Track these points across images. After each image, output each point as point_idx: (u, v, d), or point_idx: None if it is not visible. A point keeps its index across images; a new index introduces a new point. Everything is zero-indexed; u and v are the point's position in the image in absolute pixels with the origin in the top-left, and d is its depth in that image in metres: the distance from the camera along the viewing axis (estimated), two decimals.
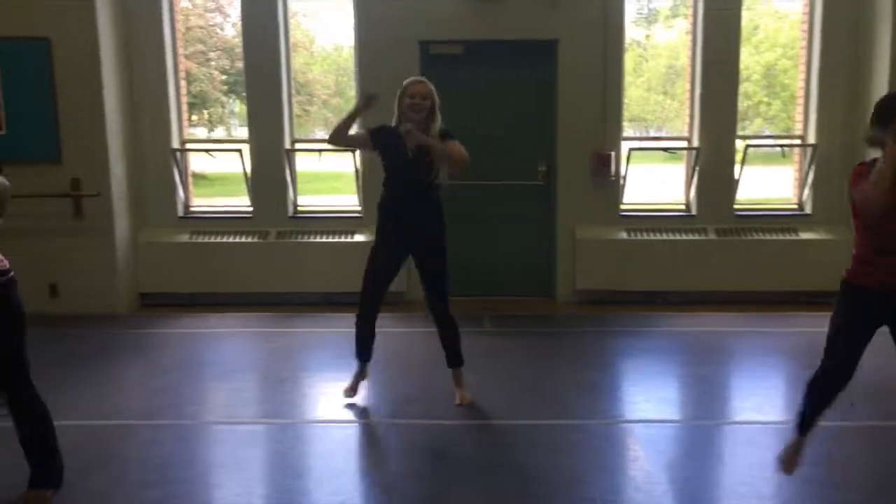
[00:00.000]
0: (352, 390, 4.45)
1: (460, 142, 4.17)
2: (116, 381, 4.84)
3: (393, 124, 4.25)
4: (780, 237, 6.65)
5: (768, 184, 9.38)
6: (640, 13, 13.04)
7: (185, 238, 6.74)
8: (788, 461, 3.28)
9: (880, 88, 6.31)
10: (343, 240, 6.72)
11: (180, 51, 6.88)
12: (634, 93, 14.89)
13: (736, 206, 6.81)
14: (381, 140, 4.28)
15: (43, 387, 3.22)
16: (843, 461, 3.66)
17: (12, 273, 3.06)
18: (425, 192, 4.19)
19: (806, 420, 3.23)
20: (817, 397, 3.19)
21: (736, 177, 6.75)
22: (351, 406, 4.41)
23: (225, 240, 6.74)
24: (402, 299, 6.47)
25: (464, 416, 4.22)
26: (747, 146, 6.91)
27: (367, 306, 4.34)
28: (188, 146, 7.03)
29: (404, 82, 4.23)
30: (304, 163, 7.43)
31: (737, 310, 6.41)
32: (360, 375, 4.49)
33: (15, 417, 3.15)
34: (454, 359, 4.39)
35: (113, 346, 5.56)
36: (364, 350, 4.42)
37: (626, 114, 6.99)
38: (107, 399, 4.47)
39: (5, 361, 3.07)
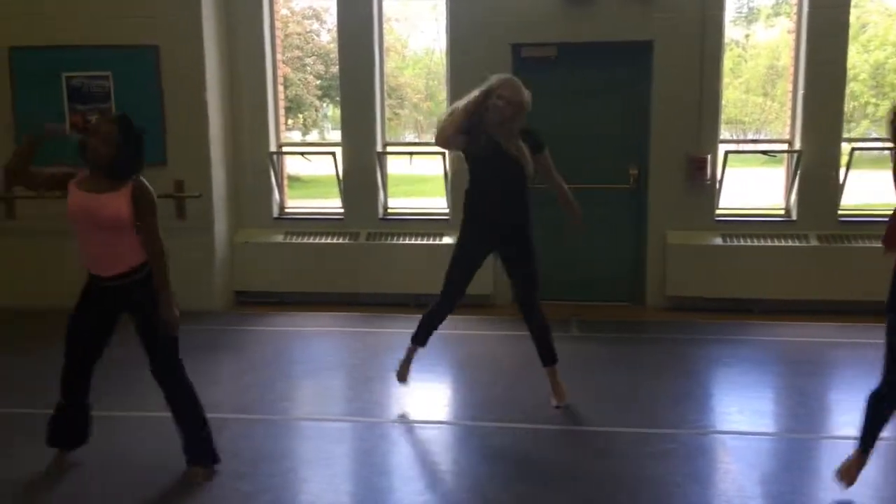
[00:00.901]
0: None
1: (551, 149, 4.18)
2: (211, 376, 5.02)
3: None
4: None
5: (876, 188, 8.91)
6: (740, 12, 12.64)
7: (279, 238, 6.95)
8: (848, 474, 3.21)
9: None
10: (431, 242, 6.78)
11: (279, 57, 7.10)
12: (732, 94, 14.45)
13: (840, 212, 6.49)
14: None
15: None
16: None
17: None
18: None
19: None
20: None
21: (841, 181, 6.44)
22: (437, 407, 4.44)
23: (317, 241, 6.91)
24: (489, 302, 6.48)
25: (550, 422, 4.18)
26: (853, 149, 6.58)
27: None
28: (284, 149, 7.25)
29: (494, 79, 4.13)
30: (395, 165, 7.53)
31: (837, 320, 6.11)
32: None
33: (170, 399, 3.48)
34: (549, 356, 4.35)
35: (208, 343, 5.78)
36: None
37: (723, 116, 6.78)
38: (201, 393, 4.57)
39: (160, 343, 3.37)
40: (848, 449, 3.75)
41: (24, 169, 3.31)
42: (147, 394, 3.61)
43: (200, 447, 3.52)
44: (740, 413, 4.34)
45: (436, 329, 4.50)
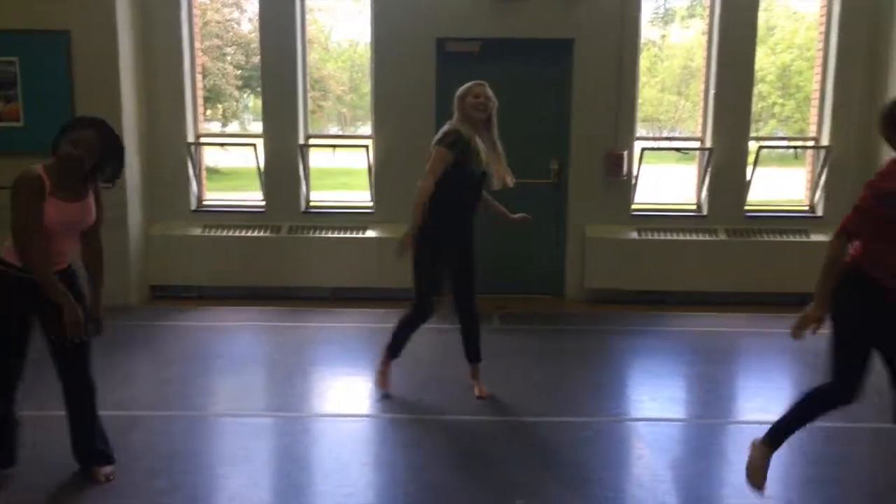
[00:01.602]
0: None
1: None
2: (126, 372, 4.89)
3: (451, 128, 4.24)
4: (791, 239, 6.63)
5: (780, 185, 9.35)
6: (657, 13, 13.01)
7: (197, 231, 6.80)
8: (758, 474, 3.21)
9: None
10: (355, 235, 6.75)
11: (197, 45, 6.93)
12: (649, 93, 14.88)
13: (747, 208, 6.79)
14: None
15: (51, 377, 3.28)
16: (845, 461, 3.66)
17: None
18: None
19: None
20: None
21: (748, 178, 6.73)
22: (358, 400, 4.44)
23: (237, 234, 6.79)
24: (410, 296, 6.49)
25: (471, 412, 4.24)
26: (760, 147, 6.88)
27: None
28: (202, 140, 7.08)
29: (465, 85, 4.31)
30: (318, 158, 7.46)
31: (745, 311, 6.40)
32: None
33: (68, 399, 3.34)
34: (476, 354, 4.44)
35: (123, 338, 5.61)
36: None
37: (639, 114, 6.98)
38: (116, 389, 4.51)
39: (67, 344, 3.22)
40: (753, 433, 3.92)
41: None
42: (50, 391, 3.47)
43: (102, 444, 3.41)
44: (653, 401, 4.50)
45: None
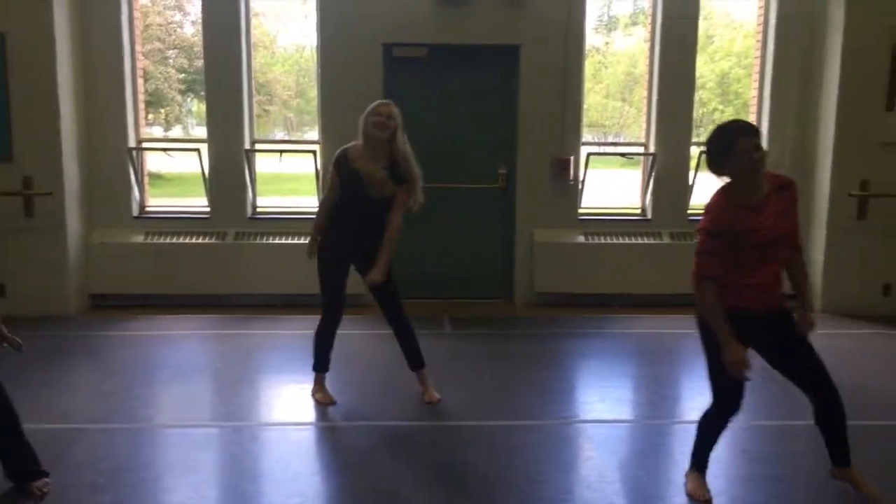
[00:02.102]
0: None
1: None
2: (66, 384, 4.75)
3: (353, 143, 4.28)
4: None
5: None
6: (601, 20, 13.21)
7: (139, 238, 6.64)
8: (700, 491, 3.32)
9: (830, 98, 6.51)
10: (302, 241, 6.66)
11: (138, 48, 6.78)
12: (594, 99, 15.10)
13: (690, 211, 6.94)
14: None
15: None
16: (787, 458, 3.77)
17: None
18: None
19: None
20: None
21: (690, 182, 6.88)
22: (307, 408, 4.39)
23: (181, 240, 6.65)
24: (359, 301, 6.46)
25: (420, 418, 4.23)
26: (701, 152, 7.03)
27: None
28: (144, 145, 6.93)
29: (371, 106, 4.24)
30: (264, 163, 7.37)
31: (689, 312, 6.47)
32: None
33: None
34: (415, 361, 4.43)
35: (62, 348, 5.45)
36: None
37: (585, 119, 7.08)
38: (56, 402, 4.38)
39: None
40: None
41: None
42: None
43: (31, 462, 3.30)
44: (601, 402, 4.56)
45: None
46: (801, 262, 3.25)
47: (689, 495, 3.33)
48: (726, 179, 3.07)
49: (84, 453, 3.73)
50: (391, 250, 4.17)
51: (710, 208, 3.06)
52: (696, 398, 4.70)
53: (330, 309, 4.38)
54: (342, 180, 4.27)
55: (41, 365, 5.00)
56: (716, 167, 3.07)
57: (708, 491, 3.31)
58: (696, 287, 3.14)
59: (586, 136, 7.26)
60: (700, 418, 3.34)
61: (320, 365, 4.45)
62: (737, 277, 3.06)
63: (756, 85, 6.98)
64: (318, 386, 4.47)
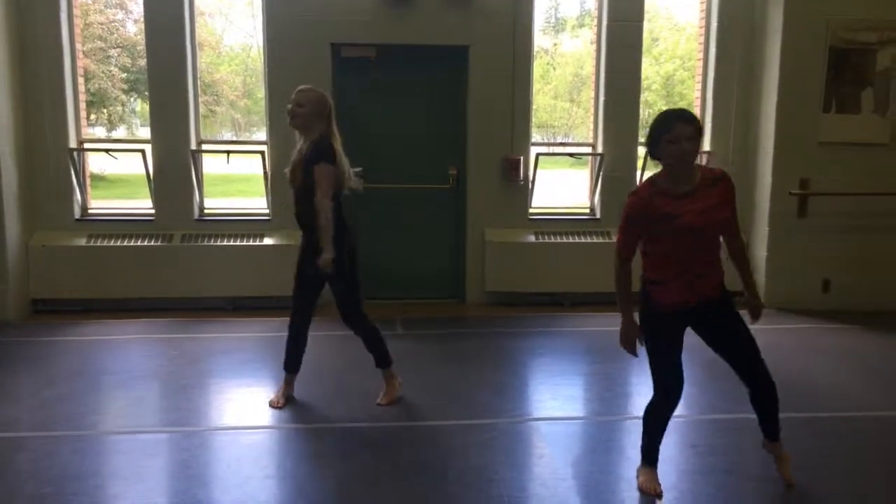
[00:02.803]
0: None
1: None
2: (6, 392, 4.60)
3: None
4: None
5: None
6: (549, 22, 13.35)
7: (82, 241, 6.48)
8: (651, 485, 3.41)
9: (770, 98, 6.69)
10: (251, 243, 6.60)
11: (78, 47, 6.60)
12: (542, 100, 15.25)
13: None
14: None
15: None
16: (734, 450, 3.86)
17: None
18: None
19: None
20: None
21: (637, 182, 7.00)
22: (259, 412, 4.34)
23: (126, 243, 6.51)
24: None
25: (373, 419, 4.22)
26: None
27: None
28: (86, 146, 6.75)
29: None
30: (211, 164, 7.25)
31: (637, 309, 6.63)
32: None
33: None
34: (378, 360, 4.46)
35: (3, 356, 5.28)
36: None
37: (534, 120, 7.14)
38: None
39: None
40: None
41: None
42: None
43: None
44: (553, 399, 4.61)
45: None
46: (741, 250, 3.37)
47: (641, 490, 3.39)
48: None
49: (27, 462, 3.63)
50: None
51: (633, 192, 3.20)
52: (646, 394, 4.74)
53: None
54: None
55: None
56: (652, 151, 3.15)
57: (659, 485, 3.38)
58: (614, 264, 3.35)
59: (535, 136, 7.34)
60: (644, 413, 3.42)
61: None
62: (671, 272, 3.16)
63: (699, 86, 7.14)
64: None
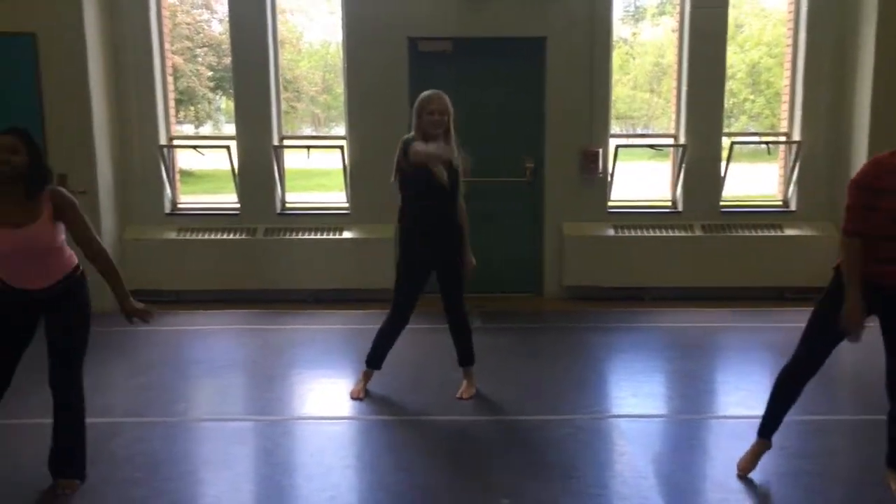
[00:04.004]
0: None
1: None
2: (103, 379, 4.81)
3: (410, 136, 4.21)
4: (765, 233, 6.71)
5: (753, 181, 9.46)
6: (628, 10, 13.10)
7: (171, 235, 6.72)
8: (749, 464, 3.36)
9: (864, 86, 6.38)
10: (331, 236, 6.71)
11: (167, 47, 6.85)
12: (621, 91, 14.96)
13: (722, 203, 6.85)
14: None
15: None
16: (824, 454, 3.71)
17: (81, 268, 3.30)
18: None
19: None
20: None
21: (722, 174, 6.80)
22: (340, 403, 4.41)
23: (212, 237, 6.72)
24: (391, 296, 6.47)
25: (452, 413, 4.23)
26: (733, 143, 6.96)
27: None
28: (175, 143, 7.00)
29: (422, 95, 4.21)
30: (292, 159, 7.40)
31: (722, 306, 6.46)
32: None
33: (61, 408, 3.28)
34: (462, 358, 4.48)
35: (99, 344, 5.47)
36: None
37: (613, 111, 7.02)
38: (93, 397, 4.38)
39: (65, 353, 3.24)
40: (734, 428, 4.00)
41: None
42: (27, 399, 3.41)
43: (80, 460, 3.36)
44: (634, 397, 4.53)
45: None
46: None
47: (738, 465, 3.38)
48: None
49: (122, 447, 3.79)
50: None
51: (865, 164, 3.07)
52: (731, 393, 4.67)
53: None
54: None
55: None
56: None
57: (745, 469, 3.32)
58: (840, 242, 3.10)
59: (615, 128, 7.19)
60: (777, 376, 3.32)
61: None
62: (884, 250, 2.99)
63: (788, 74, 6.87)
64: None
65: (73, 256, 3.28)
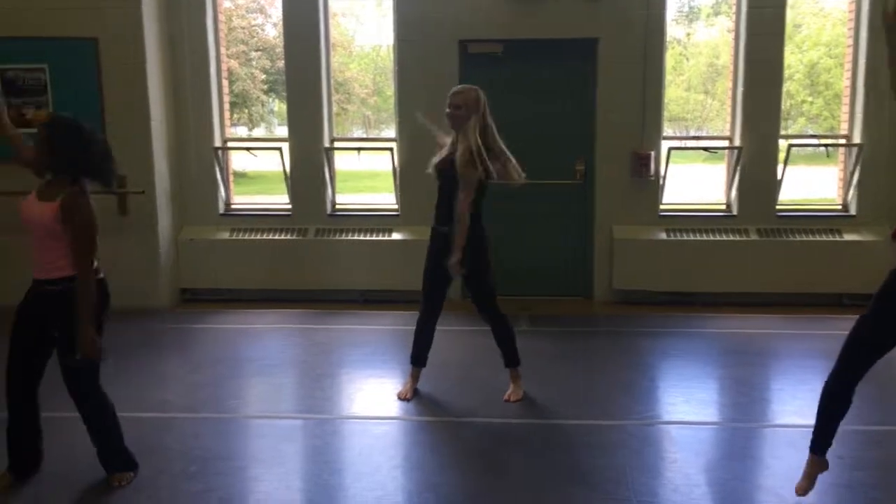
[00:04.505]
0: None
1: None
2: (158, 375, 4.94)
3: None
4: (824, 238, 6.53)
5: (812, 184, 9.23)
6: (681, 11, 12.91)
7: (225, 235, 6.85)
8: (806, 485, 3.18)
9: None
10: (381, 238, 6.76)
11: (223, 50, 6.98)
12: (674, 92, 14.75)
13: (778, 207, 6.70)
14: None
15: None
16: (881, 465, 3.60)
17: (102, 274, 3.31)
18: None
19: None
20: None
21: (778, 177, 6.65)
22: (388, 403, 4.44)
23: (264, 237, 6.83)
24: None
25: (499, 415, 4.22)
26: (790, 146, 6.79)
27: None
28: (229, 145, 7.14)
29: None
30: (343, 161, 7.48)
31: (777, 312, 6.31)
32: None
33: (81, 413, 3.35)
34: (507, 359, 4.46)
35: (153, 341, 5.67)
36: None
37: (665, 113, 6.91)
38: (149, 392, 4.56)
39: (65, 368, 3.25)
40: (788, 437, 3.91)
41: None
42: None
43: (117, 456, 3.43)
44: (685, 403, 4.45)
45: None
46: None
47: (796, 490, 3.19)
48: None
49: (176, 441, 3.88)
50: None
51: None
52: (786, 401, 4.56)
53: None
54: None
55: (135, 356, 5.21)
56: None
57: (804, 490, 3.16)
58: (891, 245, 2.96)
59: (667, 130, 7.09)
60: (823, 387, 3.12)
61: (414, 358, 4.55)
62: None
63: (848, 75, 6.68)
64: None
65: (68, 270, 3.16)
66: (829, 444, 3.14)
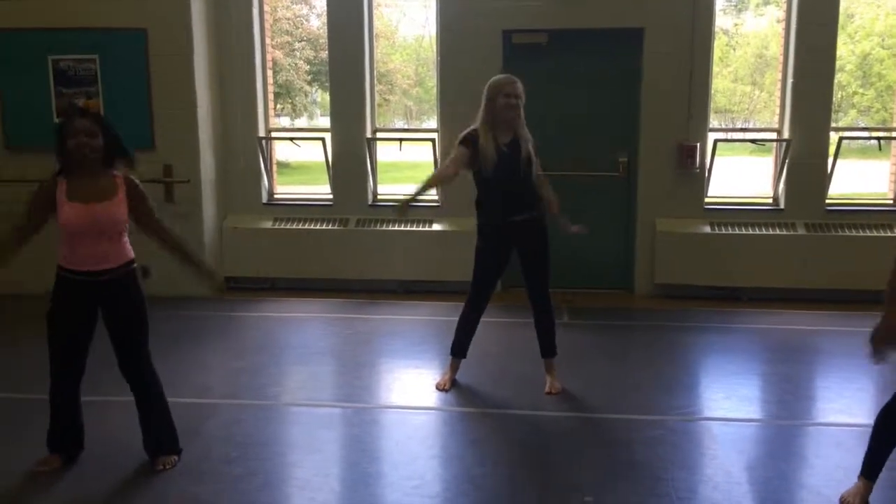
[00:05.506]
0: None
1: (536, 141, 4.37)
2: (201, 361, 5.02)
3: (478, 124, 4.27)
4: (874, 234, 6.36)
5: (863, 178, 8.99)
6: (730, 1, 12.65)
7: (268, 224, 6.93)
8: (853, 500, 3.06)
9: None
10: (421, 229, 6.77)
11: (268, 41, 7.05)
12: (721, 83, 14.48)
13: (828, 201, 6.54)
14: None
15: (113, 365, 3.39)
16: None
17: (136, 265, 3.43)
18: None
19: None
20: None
21: (828, 170, 6.48)
22: (426, 393, 4.45)
23: (306, 226, 6.89)
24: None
25: (538, 408, 4.21)
26: (841, 138, 6.62)
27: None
28: (273, 135, 7.21)
29: (493, 80, 4.25)
30: (384, 152, 7.51)
31: (825, 308, 6.17)
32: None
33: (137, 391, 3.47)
34: (546, 349, 4.45)
35: (198, 328, 5.77)
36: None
37: (712, 105, 6.79)
38: (192, 378, 4.64)
39: (127, 344, 3.38)
40: (834, 436, 3.82)
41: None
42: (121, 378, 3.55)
43: (171, 437, 3.51)
44: (727, 399, 4.38)
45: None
46: None
47: (841, 500, 3.10)
48: None
49: (218, 427, 3.94)
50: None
51: None
52: (832, 399, 4.46)
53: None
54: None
55: (179, 343, 5.32)
56: None
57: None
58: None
59: (713, 122, 6.96)
60: (878, 416, 3.03)
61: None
62: None
63: None
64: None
65: (131, 250, 3.39)
66: (880, 471, 3.05)
